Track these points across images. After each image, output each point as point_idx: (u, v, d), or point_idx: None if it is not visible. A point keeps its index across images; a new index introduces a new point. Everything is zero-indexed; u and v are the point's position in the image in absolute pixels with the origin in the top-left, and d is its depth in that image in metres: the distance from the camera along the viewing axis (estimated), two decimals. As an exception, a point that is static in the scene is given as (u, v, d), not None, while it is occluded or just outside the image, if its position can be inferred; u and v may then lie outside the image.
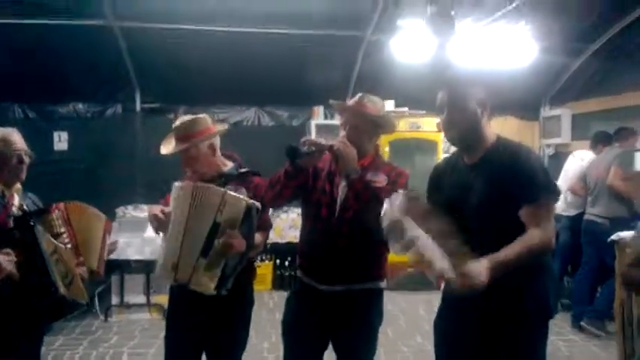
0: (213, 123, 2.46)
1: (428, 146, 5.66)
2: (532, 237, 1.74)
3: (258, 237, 2.31)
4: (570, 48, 5.76)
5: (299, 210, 6.06)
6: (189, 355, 2.42)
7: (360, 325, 2.24)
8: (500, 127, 6.55)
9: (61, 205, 2.18)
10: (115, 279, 4.86)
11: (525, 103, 6.65)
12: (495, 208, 1.78)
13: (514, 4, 4.98)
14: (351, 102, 2.25)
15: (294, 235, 5.80)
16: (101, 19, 4.87)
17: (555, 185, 1.85)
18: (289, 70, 5.69)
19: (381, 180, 2.14)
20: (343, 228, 2.14)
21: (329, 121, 6.22)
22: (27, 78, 5.32)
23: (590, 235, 4.53)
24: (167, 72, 5.64)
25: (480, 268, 1.61)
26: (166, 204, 2.40)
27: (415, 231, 1.66)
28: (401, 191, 1.77)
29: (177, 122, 2.38)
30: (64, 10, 4.72)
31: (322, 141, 2.08)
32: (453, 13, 4.46)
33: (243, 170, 2.44)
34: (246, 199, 2.18)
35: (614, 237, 2.79)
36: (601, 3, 4.93)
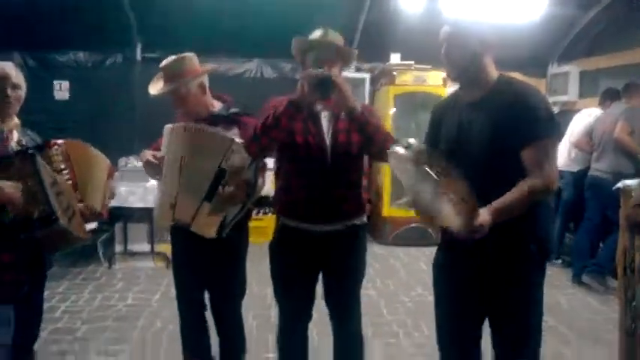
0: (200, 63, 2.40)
1: (433, 100, 5.57)
2: (534, 182, 1.71)
3: (259, 180, 2.31)
4: (580, 1, 5.62)
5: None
6: (194, 292, 2.48)
7: (352, 261, 2.25)
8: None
9: (61, 141, 2.14)
10: (118, 227, 4.88)
11: (533, 60, 6.54)
12: (496, 147, 1.74)
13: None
14: (317, 37, 2.14)
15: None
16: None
17: (558, 125, 1.81)
18: (293, 20, 5.50)
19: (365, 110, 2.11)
20: (338, 164, 2.10)
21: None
22: (27, 25, 5.22)
23: (594, 190, 4.51)
24: (169, 21, 5.52)
25: (483, 218, 1.60)
26: (157, 149, 2.39)
27: (421, 182, 1.63)
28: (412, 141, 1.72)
29: (164, 62, 2.31)
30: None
31: (320, 71, 1.96)
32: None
33: (233, 110, 2.40)
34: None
35: (619, 185, 2.77)
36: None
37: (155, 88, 2.37)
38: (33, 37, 5.40)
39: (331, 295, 2.26)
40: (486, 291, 1.84)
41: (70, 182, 2.08)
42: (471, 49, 1.80)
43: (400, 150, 1.65)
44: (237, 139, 2.20)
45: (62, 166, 2.07)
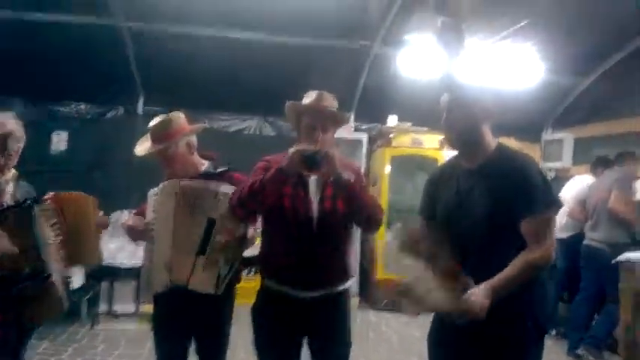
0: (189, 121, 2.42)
1: (429, 163, 5.62)
2: (531, 256, 1.70)
3: (250, 231, 2.29)
4: (576, 70, 5.76)
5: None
6: (177, 354, 2.39)
7: (337, 327, 2.21)
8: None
9: (53, 195, 2.14)
10: (104, 285, 4.77)
11: (528, 125, 6.63)
12: (494, 216, 1.73)
13: (522, 24, 4.98)
14: (310, 102, 2.18)
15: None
16: (110, 18, 4.84)
17: (556, 198, 1.80)
18: (294, 80, 5.62)
19: (351, 176, 2.09)
20: (324, 230, 2.09)
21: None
22: (29, 74, 5.27)
23: (590, 260, 4.45)
24: (172, 76, 5.58)
25: (480, 301, 1.58)
26: (141, 214, 2.38)
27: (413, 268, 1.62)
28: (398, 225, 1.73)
29: (152, 123, 2.33)
30: (71, 6, 4.70)
31: (312, 147, 2.00)
32: (463, 26, 4.45)
33: (220, 169, 2.40)
34: None
35: (620, 258, 2.73)
36: (608, 27, 4.93)
37: (142, 148, 2.37)
38: (36, 86, 5.46)
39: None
40: None
41: (60, 238, 2.05)
42: (472, 117, 1.82)
43: (388, 238, 1.65)
44: (223, 189, 2.19)
45: (54, 220, 2.04)
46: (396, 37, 5.22)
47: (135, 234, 2.32)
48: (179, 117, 2.35)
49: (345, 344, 2.23)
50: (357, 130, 6.33)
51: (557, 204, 1.82)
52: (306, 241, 2.08)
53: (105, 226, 2.44)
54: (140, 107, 6.01)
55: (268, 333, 2.17)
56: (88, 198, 2.32)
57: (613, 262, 2.93)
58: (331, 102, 2.19)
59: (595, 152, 5.53)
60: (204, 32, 5.10)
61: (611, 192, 4.29)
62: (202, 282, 2.16)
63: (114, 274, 4.65)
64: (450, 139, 1.89)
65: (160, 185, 2.27)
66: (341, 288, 2.18)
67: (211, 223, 2.16)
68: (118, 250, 4.37)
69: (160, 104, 6.01)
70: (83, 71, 5.33)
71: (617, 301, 4.18)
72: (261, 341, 2.18)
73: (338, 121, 2.21)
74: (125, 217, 4.92)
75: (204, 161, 2.44)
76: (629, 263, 2.54)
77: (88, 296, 4.69)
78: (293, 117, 2.19)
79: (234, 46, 5.24)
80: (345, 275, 2.19)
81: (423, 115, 5.61)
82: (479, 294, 1.58)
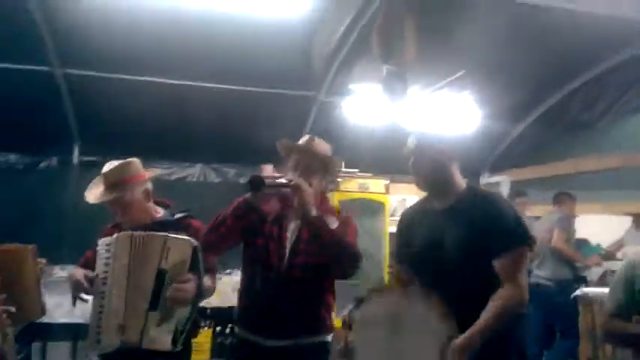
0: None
1: (376, 207, 5.68)
2: (507, 296, 1.70)
3: (207, 280, 2.15)
4: (510, 116, 6.07)
5: (240, 272, 5.83)
6: None
7: None
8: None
9: None
10: (35, 347, 4.35)
11: (466, 169, 6.83)
12: (469, 254, 1.75)
13: (459, 73, 5.23)
14: (300, 142, 2.18)
15: (235, 300, 5.50)
16: (44, 65, 4.62)
17: (529, 233, 1.83)
18: (238, 127, 5.61)
19: (333, 221, 2.04)
20: (295, 273, 2.00)
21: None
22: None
23: (537, 298, 4.56)
24: (110, 124, 5.37)
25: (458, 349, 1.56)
26: (85, 264, 2.23)
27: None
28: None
29: (106, 168, 2.21)
30: (2, 50, 4.45)
31: (280, 177, 1.99)
32: (406, 75, 4.62)
33: (178, 216, 2.30)
34: (190, 239, 2.03)
35: (577, 292, 2.81)
36: (540, 74, 5.26)
37: (94, 195, 2.22)
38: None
39: None
40: None
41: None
42: (439, 159, 1.84)
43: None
44: (172, 235, 2.06)
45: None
46: (341, 86, 5.32)
47: (81, 289, 2.12)
48: (135, 162, 2.25)
49: None
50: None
51: (531, 238, 1.84)
52: (272, 283, 1.99)
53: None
54: (75, 157, 5.71)
55: None
56: (24, 248, 2.14)
57: (572, 296, 3.03)
58: (322, 147, 2.16)
59: (530, 194, 5.80)
60: (144, 78, 4.96)
61: (553, 231, 4.48)
62: (157, 339, 1.98)
63: (47, 333, 4.26)
64: (420, 181, 1.90)
65: (114, 236, 2.11)
66: (310, 340, 2.05)
67: (162, 273, 2.01)
68: (55, 307, 4.03)
69: (96, 153, 5.77)
70: (14, 120, 5.03)
71: (568, 336, 4.31)
72: None
73: (326, 165, 2.15)
74: (56, 273, 4.60)
75: (159, 209, 2.31)
76: (587, 297, 2.61)
77: (17, 358, 4.26)
78: (283, 156, 2.17)
79: (175, 93, 5.12)
80: (315, 327, 2.06)
81: (368, 160, 5.71)
82: (460, 343, 1.56)
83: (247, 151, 6.01)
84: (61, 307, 4.08)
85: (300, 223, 2.01)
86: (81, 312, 4.05)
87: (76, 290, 2.11)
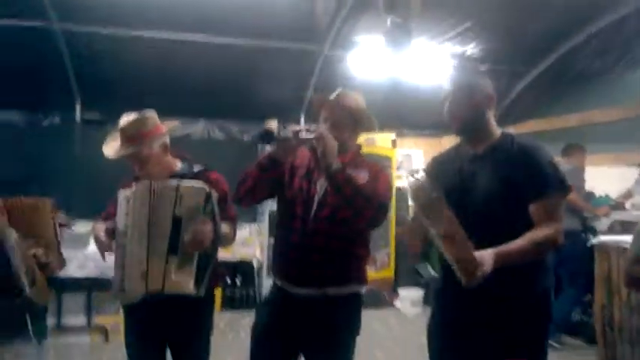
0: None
1: (382, 161, 5.66)
2: (539, 233, 1.68)
3: (225, 227, 2.17)
4: (517, 68, 5.98)
5: (251, 227, 5.88)
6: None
7: (336, 333, 2.05)
8: (445, 147, 6.72)
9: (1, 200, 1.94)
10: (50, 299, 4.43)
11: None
12: (501, 199, 1.72)
13: (465, 25, 5.12)
14: (332, 96, 2.14)
15: (245, 253, 5.58)
16: (42, 20, 4.52)
17: (565, 180, 1.80)
18: (242, 82, 5.53)
19: (363, 176, 2.03)
20: (321, 226, 2.01)
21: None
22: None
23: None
24: (111, 81, 5.30)
25: (486, 256, 1.55)
26: (107, 217, 2.22)
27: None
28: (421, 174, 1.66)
29: (123, 122, 2.16)
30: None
31: (306, 130, 1.95)
32: (411, 27, 4.52)
33: (197, 169, 2.29)
34: (202, 185, 2.04)
35: (594, 241, 2.83)
36: (549, 24, 5.15)
37: (112, 149, 2.18)
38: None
39: None
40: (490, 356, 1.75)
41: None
42: (478, 102, 1.81)
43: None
44: (185, 183, 2.07)
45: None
46: (346, 39, 5.22)
47: (105, 246, 2.11)
48: (152, 115, 2.20)
49: (342, 358, 2.09)
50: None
51: (567, 186, 1.81)
52: (300, 234, 2.01)
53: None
54: (78, 115, 5.66)
55: (265, 331, 2.10)
56: (43, 200, 2.14)
57: (588, 244, 3.05)
58: (354, 101, 2.11)
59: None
60: (145, 34, 4.84)
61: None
62: (179, 283, 2.00)
63: (62, 286, 4.33)
64: (456, 126, 1.87)
65: (133, 187, 2.10)
66: (339, 291, 2.05)
67: (177, 220, 2.03)
68: (68, 261, 4.08)
69: (98, 111, 5.73)
70: (13, 77, 4.96)
71: (574, 285, 4.38)
72: (254, 332, 2.13)
73: (357, 119, 2.11)
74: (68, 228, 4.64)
75: (177, 162, 2.30)
76: (604, 246, 2.62)
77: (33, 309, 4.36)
78: (316, 110, 2.15)
79: (176, 48, 5.02)
80: (344, 278, 2.06)
81: (374, 114, 5.65)
82: (484, 257, 1.55)
83: (251, 107, 5.96)
84: (71, 262, 4.12)
85: (324, 176, 1.99)
86: (94, 265, 4.13)
87: (101, 247, 2.12)
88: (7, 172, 5.32)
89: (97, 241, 2.12)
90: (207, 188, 2.04)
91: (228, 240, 2.25)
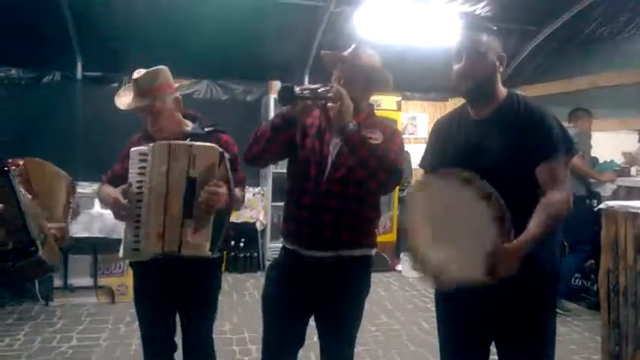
0: None
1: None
2: (552, 205, 1.64)
3: (237, 192, 2.13)
4: (525, 30, 5.85)
5: (254, 189, 5.85)
6: (165, 321, 2.25)
7: (347, 295, 2.05)
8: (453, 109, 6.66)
9: (19, 160, 1.90)
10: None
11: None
12: (509, 163, 1.68)
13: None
14: (345, 53, 2.04)
15: (249, 216, 5.59)
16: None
17: (572, 141, 1.77)
18: (244, 41, 5.38)
19: (377, 136, 1.97)
20: (334, 187, 1.96)
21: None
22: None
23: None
24: (112, 38, 5.15)
25: (512, 259, 1.54)
26: (113, 179, 2.18)
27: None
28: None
29: (137, 75, 2.12)
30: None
31: (318, 88, 1.87)
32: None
33: (208, 129, 2.24)
34: (214, 146, 1.99)
35: (601, 206, 2.83)
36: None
37: (124, 102, 2.14)
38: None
39: (322, 337, 2.08)
40: (500, 323, 1.76)
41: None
42: (492, 62, 1.75)
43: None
44: (196, 143, 2.01)
45: (22, 190, 1.81)
46: (353, -5, 5.07)
47: (122, 208, 2.01)
48: (166, 70, 2.15)
49: (355, 320, 2.09)
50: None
51: (574, 147, 1.78)
52: (313, 197, 1.96)
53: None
54: (79, 72, 5.55)
55: (276, 294, 2.08)
56: (64, 176, 2.10)
57: (595, 209, 3.06)
58: (368, 58, 2.01)
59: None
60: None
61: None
62: (196, 245, 1.98)
63: (67, 246, 4.34)
64: (466, 88, 1.78)
65: (150, 145, 2.03)
66: (351, 253, 2.02)
67: (192, 181, 1.98)
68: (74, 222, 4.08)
69: (99, 69, 5.62)
70: (12, 32, 4.83)
71: (577, 250, 4.42)
72: (268, 294, 2.10)
73: (371, 77, 2.02)
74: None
75: (188, 122, 2.25)
76: (612, 210, 2.63)
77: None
78: (330, 67, 2.04)
79: (179, 6, 4.88)
80: (355, 240, 2.03)
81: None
82: (512, 253, 1.54)
83: (254, 66, 5.84)
84: (77, 223, 4.10)
85: (339, 136, 1.94)
86: (99, 226, 4.13)
87: (118, 210, 2.03)
88: (6, 130, 5.26)
89: (114, 205, 2.03)
90: (219, 149, 1.99)
91: (239, 203, 2.23)
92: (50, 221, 1.95)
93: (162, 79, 2.12)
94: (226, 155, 2.01)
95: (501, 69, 1.79)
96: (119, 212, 2.03)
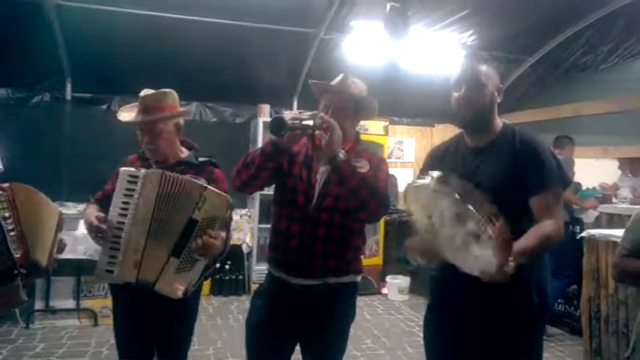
0: None
1: (374, 149, 5.66)
2: (545, 229, 1.68)
3: (230, 235, 2.17)
4: (511, 58, 5.97)
5: (241, 211, 5.84)
6: (141, 348, 2.23)
7: (334, 322, 2.06)
8: (440, 135, 6.77)
9: (6, 184, 1.89)
10: (39, 282, 4.39)
11: (464, 112, 6.82)
12: (503, 194, 1.70)
13: (462, 13, 5.10)
14: (333, 82, 2.08)
15: (236, 238, 5.57)
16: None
17: (566, 173, 1.81)
18: (235, 65, 5.45)
19: (363, 165, 2.00)
20: (322, 216, 1.97)
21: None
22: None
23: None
24: (102, 59, 5.17)
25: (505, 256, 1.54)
26: (102, 199, 2.18)
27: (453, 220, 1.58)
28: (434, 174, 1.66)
29: (145, 92, 2.16)
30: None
31: (307, 117, 1.90)
32: (409, 13, 4.49)
33: (202, 159, 2.26)
34: (227, 196, 2.01)
35: (583, 234, 2.87)
36: (542, 16, 5.15)
37: (128, 116, 2.17)
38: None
39: None
40: (488, 346, 1.77)
41: (14, 233, 1.82)
42: (490, 93, 1.79)
43: (426, 181, 1.59)
44: (211, 187, 2.02)
45: (6, 214, 1.81)
46: (342, 24, 5.16)
47: (98, 234, 2.01)
48: (173, 93, 2.19)
49: (341, 347, 2.10)
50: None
51: (568, 180, 1.82)
52: (300, 226, 1.98)
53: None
54: (68, 93, 5.55)
55: (262, 322, 2.07)
56: (54, 208, 2.10)
57: (578, 237, 3.10)
58: (357, 87, 2.05)
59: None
60: (138, 12, 4.71)
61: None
62: (171, 286, 1.98)
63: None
64: (464, 118, 1.82)
65: (143, 170, 2.02)
66: (338, 281, 2.03)
67: (192, 223, 1.96)
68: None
69: (89, 90, 5.64)
70: (4, 53, 4.85)
71: (560, 276, 4.45)
72: (254, 323, 2.09)
73: (362, 107, 2.06)
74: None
75: (184, 149, 2.27)
76: (593, 239, 2.66)
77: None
78: (318, 96, 2.08)
79: (169, 27, 4.90)
80: (342, 268, 2.04)
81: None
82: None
83: (244, 91, 5.89)
84: (62, 244, 4.08)
85: (328, 166, 1.95)
86: (84, 248, 4.09)
87: (94, 234, 2.02)
88: (-5, 150, 5.23)
89: (90, 228, 2.02)
90: (230, 199, 2.01)
91: (228, 247, 2.22)
92: (34, 249, 1.93)
93: (171, 100, 2.16)
94: (233, 206, 2.03)
95: (499, 100, 1.83)
96: (95, 235, 2.02)
